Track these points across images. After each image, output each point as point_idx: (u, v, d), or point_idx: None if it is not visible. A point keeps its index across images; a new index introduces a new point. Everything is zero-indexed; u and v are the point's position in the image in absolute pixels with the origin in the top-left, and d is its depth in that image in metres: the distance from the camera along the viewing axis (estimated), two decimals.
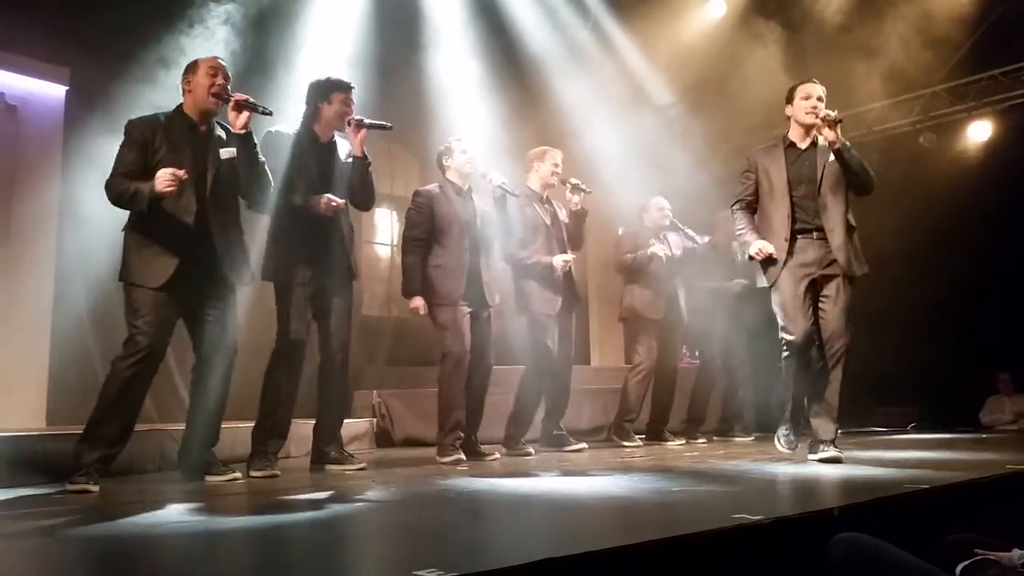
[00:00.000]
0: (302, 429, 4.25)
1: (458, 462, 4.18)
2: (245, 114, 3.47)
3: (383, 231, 8.00)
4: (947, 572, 1.92)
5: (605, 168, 6.94)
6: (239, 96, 3.49)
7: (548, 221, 5.02)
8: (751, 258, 4.02)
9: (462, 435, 4.38)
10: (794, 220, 3.94)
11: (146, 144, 3.40)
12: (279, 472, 3.68)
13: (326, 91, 3.94)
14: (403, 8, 6.42)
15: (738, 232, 4.12)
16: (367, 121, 3.93)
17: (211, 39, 5.28)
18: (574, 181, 5.00)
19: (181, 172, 3.24)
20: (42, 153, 5.54)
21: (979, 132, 8.24)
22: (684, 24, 7.73)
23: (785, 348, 3.92)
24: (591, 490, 2.99)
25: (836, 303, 3.89)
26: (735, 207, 4.15)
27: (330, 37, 5.88)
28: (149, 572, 1.85)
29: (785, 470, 3.55)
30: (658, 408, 5.85)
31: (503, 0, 6.94)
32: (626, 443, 5.38)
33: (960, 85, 8.06)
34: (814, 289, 3.92)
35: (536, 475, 3.60)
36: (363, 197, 4.07)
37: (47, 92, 5.60)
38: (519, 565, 1.51)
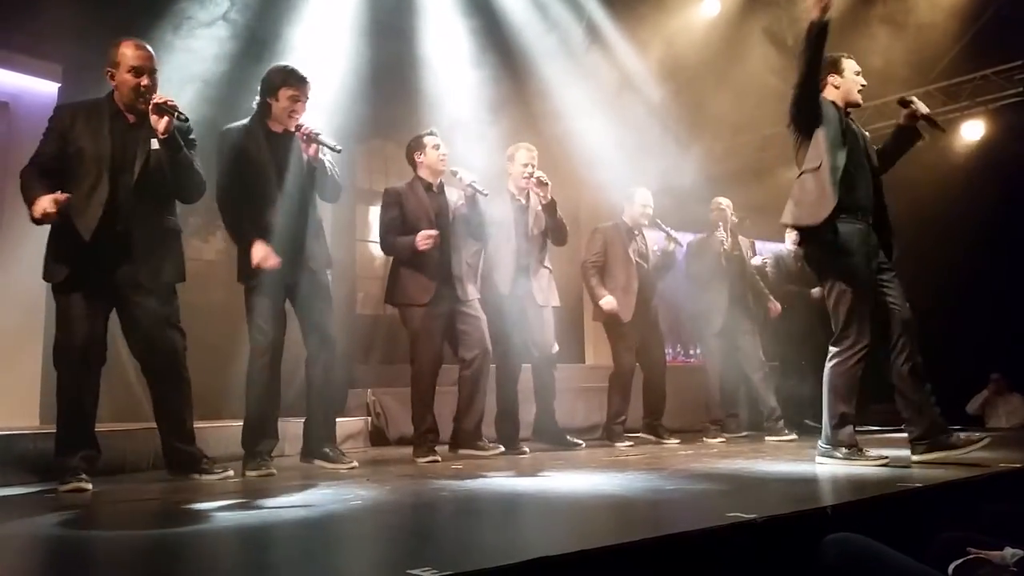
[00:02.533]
0: (295, 428, 4.24)
1: (434, 462, 4.17)
2: (167, 119, 3.31)
3: (376, 229, 7.97)
4: (940, 571, 1.93)
5: (598, 165, 6.94)
6: (157, 99, 3.32)
7: (513, 216, 4.99)
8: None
9: (436, 435, 4.39)
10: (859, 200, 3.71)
11: (64, 132, 3.31)
12: (275, 471, 3.67)
13: (274, 87, 3.77)
14: (397, 7, 6.41)
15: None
16: (318, 138, 3.75)
17: (203, 36, 5.27)
18: (537, 174, 4.88)
19: (61, 199, 3.11)
20: (34, 150, 5.51)
21: (972, 131, 8.27)
22: (678, 23, 7.73)
23: (845, 355, 3.64)
24: (585, 488, 2.99)
25: (895, 287, 3.78)
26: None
27: (324, 35, 5.86)
28: (141, 571, 1.84)
29: (779, 469, 3.56)
30: (651, 405, 5.84)
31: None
32: (618, 444, 5.38)
33: (953, 84, 8.09)
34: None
35: (530, 474, 3.60)
36: (328, 191, 3.94)
37: (39, 89, 5.56)
38: (513, 564, 1.51)
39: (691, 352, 7.85)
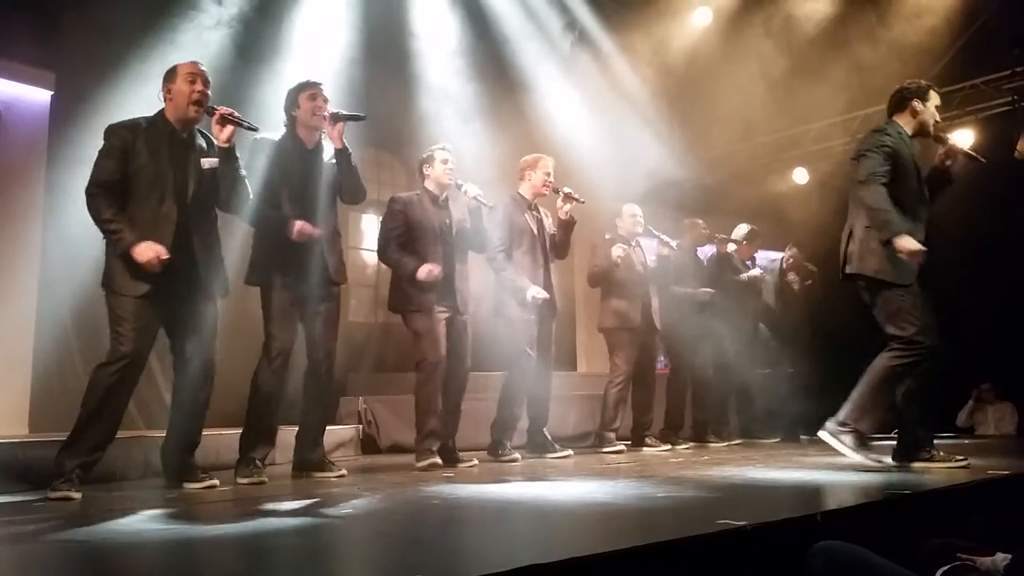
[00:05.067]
0: (288, 436, 4.23)
1: (434, 466, 4.18)
2: (229, 128, 3.45)
3: (370, 237, 7.96)
4: None
5: (592, 176, 6.96)
6: (223, 110, 3.47)
7: (535, 228, 5.04)
8: (887, 243, 3.59)
9: (439, 440, 4.39)
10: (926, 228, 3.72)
11: (125, 150, 3.36)
12: (266, 479, 3.67)
13: (293, 97, 3.96)
14: (390, 16, 6.43)
15: (880, 208, 3.61)
16: (342, 113, 3.91)
17: (197, 45, 5.27)
18: (567, 190, 4.99)
19: (164, 255, 3.24)
20: (27, 158, 5.49)
21: (962, 140, 8.29)
22: (670, 33, 7.77)
23: (911, 353, 3.60)
24: (576, 496, 2.99)
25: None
26: (877, 181, 3.63)
27: (317, 44, 5.87)
28: None
29: (769, 476, 3.57)
30: (640, 414, 5.87)
31: (490, 8, 6.96)
32: (609, 451, 5.39)
33: (943, 94, 8.11)
34: None
35: (521, 481, 3.60)
36: (350, 190, 4.04)
37: (32, 97, 5.55)
38: (504, 572, 1.51)
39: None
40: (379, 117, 6.51)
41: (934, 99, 3.88)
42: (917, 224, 3.72)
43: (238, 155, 3.56)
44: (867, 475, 3.44)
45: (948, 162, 3.80)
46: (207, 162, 3.49)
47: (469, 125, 6.13)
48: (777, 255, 7.26)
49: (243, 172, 3.61)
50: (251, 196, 3.67)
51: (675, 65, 7.66)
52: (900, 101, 3.90)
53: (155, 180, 3.38)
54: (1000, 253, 7.54)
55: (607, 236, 5.86)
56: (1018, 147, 7.39)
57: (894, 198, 3.64)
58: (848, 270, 3.78)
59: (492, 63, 7.00)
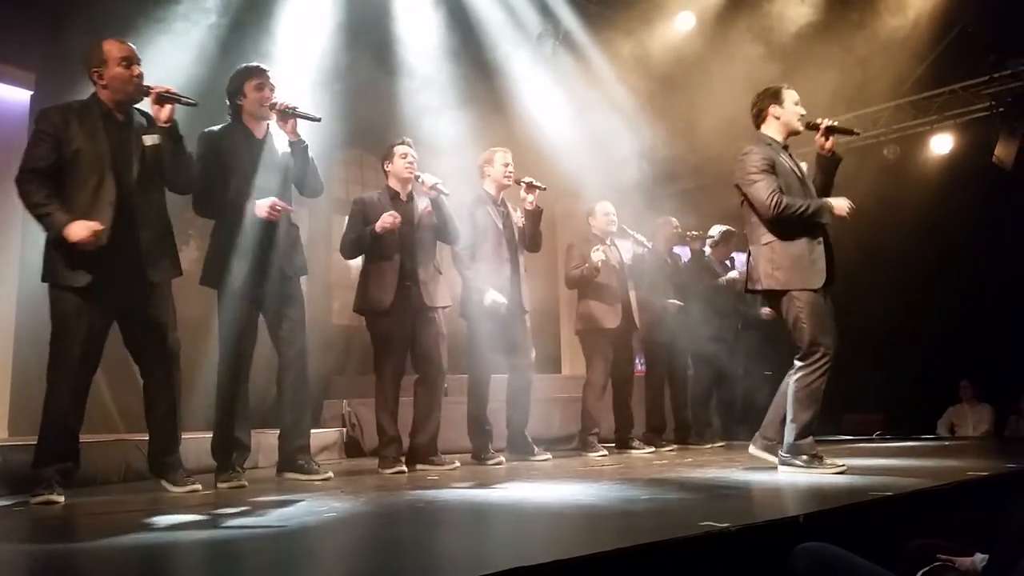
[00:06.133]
0: (270, 439, 4.21)
1: (400, 473, 4.16)
2: (169, 107, 3.33)
3: None
4: None
5: (575, 176, 6.98)
6: (159, 88, 3.33)
7: (500, 224, 4.98)
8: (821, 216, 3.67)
9: (400, 445, 4.37)
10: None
11: (57, 135, 3.24)
12: (246, 483, 3.64)
13: (239, 84, 3.80)
14: (373, 16, 6.42)
15: (801, 205, 3.67)
16: (295, 110, 3.74)
17: (178, 44, 5.24)
18: (527, 179, 4.94)
19: (99, 228, 3.10)
20: (6, 158, 5.41)
21: (941, 145, 8.40)
22: (653, 37, 7.80)
23: (823, 360, 3.64)
24: (560, 499, 3.00)
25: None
26: (781, 197, 3.67)
27: (299, 45, 5.85)
28: None
29: (752, 478, 3.58)
30: (622, 417, 5.87)
31: (473, 10, 6.97)
32: (592, 454, 5.39)
33: (922, 99, 8.23)
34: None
35: (504, 484, 3.60)
36: (309, 185, 3.93)
37: (12, 97, 5.52)
38: (488, 575, 1.51)
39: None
40: (364, 118, 6.53)
41: (790, 97, 3.92)
42: (815, 224, 3.78)
43: (180, 132, 3.40)
44: (849, 477, 3.47)
45: (826, 143, 3.85)
46: (149, 139, 3.34)
47: (454, 125, 6.13)
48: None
49: (188, 150, 3.46)
50: (197, 175, 3.53)
51: (658, 68, 7.69)
52: (758, 114, 3.98)
53: (93, 163, 3.25)
54: (979, 255, 7.62)
55: (584, 236, 5.83)
56: (996, 152, 7.49)
57: None
58: (749, 286, 3.89)
59: (477, 64, 7.01)
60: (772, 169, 3.74)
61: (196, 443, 4.04)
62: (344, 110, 5.79)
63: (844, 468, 3.61)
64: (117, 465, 3.98)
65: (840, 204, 3.73)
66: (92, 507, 3.13)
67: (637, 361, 6.40)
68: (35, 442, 3.31)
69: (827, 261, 3.74)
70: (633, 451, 5.69)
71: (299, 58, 5.74)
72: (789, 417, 3.72)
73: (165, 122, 3.34)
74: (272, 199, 3.68)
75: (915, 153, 8.51)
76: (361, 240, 4.40)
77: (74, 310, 3.20)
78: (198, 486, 3.45)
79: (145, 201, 3.36)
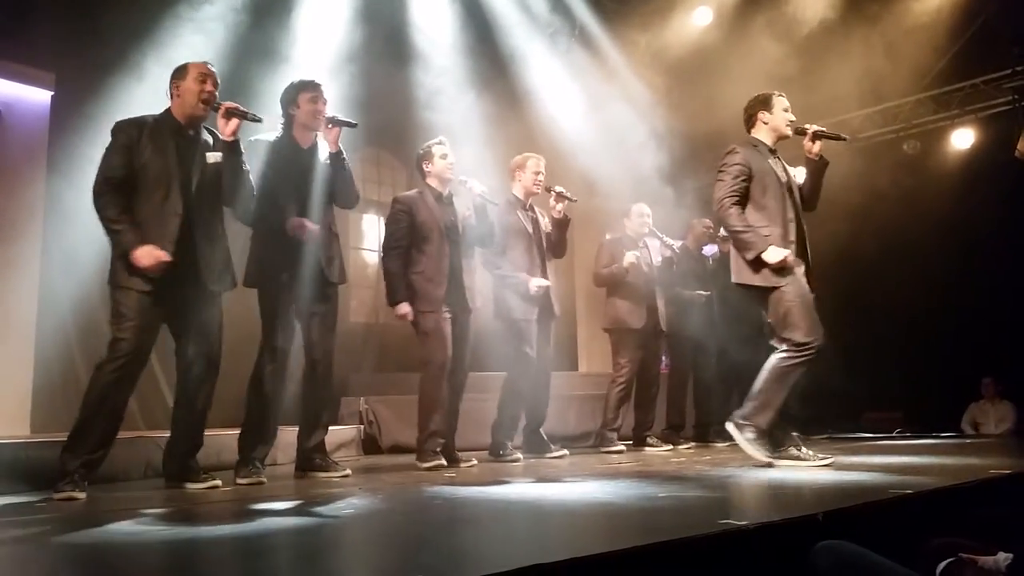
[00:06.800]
0: (288, 436, 4.23)
1: (439, 467, 4.17)
2: (235, 121, 3.48)
3: (370, 237, 7.98)
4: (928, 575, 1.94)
5: (591, 174, 6.97)
6: (229, 104, 3.49)
7: (530, 228, 5.02)
8: (756, 259, 3.84)
9: (442, 440, 4.38)
10: (797, 224, 3.98)
11: (131, 146, 3.37)
12: (265, 479, 3.67)
13: (293, 96, 3.96)
14: (389, 15, 6.43)
15: (740, 230, 3.90)
16: (338, 118, 3.91)
17: (197, 43, 5.28)
18: (558, 189, 4.99)
19: (165, 258, 3.24)
20: (27, 158, 5.51)
21: (962, 140, 8.31)
22: (670, 32, 7.77)
23: (802, 353, 3.80)
24: (576, 496, 2.99)
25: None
26: (731, 202, 3.93)
27: (315, 44, 5.88)
28: None
29: (770, 475, 3.56)
30: (642, 414, 5.88)
31: (490, 6, 6.96)
32: (610, 450, 5.39)
33: (943, 93, 8.15)
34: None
35: (522, 482, 3.60)
36: (343, 194, 4.03)
37: (33, 97, 5.57)
38: (505, 572, 1.51)
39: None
40: (381, 117, 6.54)
41: (779, 104, 4.13)
42: (788, 226, 3.95)
43: (242, 149, 3.58)
44: (869, 474, 3.44)
45: (813, 147, 4.06)
46: (212, 156, 3.50)
47: (472, 124, 6.14)
48: None
49: (247, 167, 3.61)
50: (253, 191, 3.67)
51: (675, 64, 7.66)
52: (748, 119, 4.21)
53: (160, 176, 3.39)
54: (1000, 252, 7.53)
55: (608, 236, 5.85)
56: (1018, 146, 7.39)
57: (759, 206, 3.96)
58: (733, 279, 4.04)
59: (494, 62, 7.00)
60: (746, 173, 3.94)
61: (216, 440, 4.08)
62: (360, 109, 5.80)
63: (773, 464, 3.79)
64: (138, 461, 4.03)
65: (773, 256, 3.82)
66: (114, 503, 3.15)
67: (663, 359, 6.39)
68: (56, 438, 3.35)
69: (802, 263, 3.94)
70: (649, 448, 5.69)
71: (316, 58, 5.76)
72: (758, 388, 3.88)
73: (230, 136, 3.48)
74: (300, 220, 3.78)
75: (936, 148, 8.43)
76: (391, 288, 4.42)
77: (131, 311, 3.30)
78: (218, 482, 3.50)
79: (205, 216, 3.50)
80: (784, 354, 3.85)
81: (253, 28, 5.73)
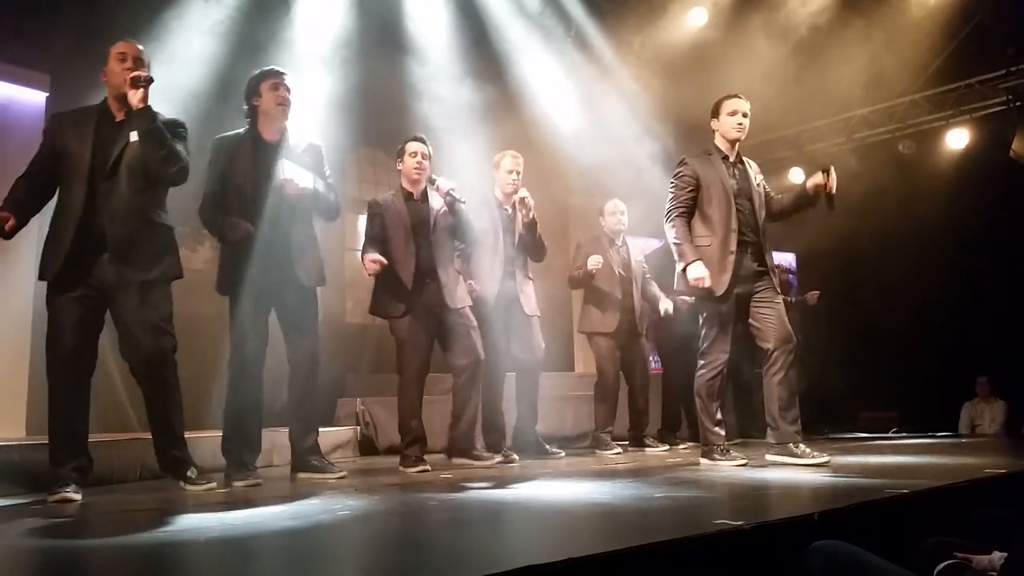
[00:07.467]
0: (284, 438, 4.22)
1: (423, 472, 4.14)
2: (142, 90, 3.28)
3: None
4: None
5: (586, 173, 6.96)
6: (133, 73, 3.31)
7: (499, 228, 4.98)
8: (684, 271, 4.05)
9: (424, 445, 4.35)
10: (740, 233, 4.06)
11: (53, 139, 3.42)
12: (261, 480, 3.65)
13: (255, 86, 3.83)
14: (385, 15, 6.43)
15: (676, 242, 4.10)
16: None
17: (193, 46, 5.27)
18: (521, 195, 4.82)
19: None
20: (22, 159, 5.41)
21: (957, 140, 8.33)
22: (665, 33, 7.78)
23: (715, 367, 4.06)
24: (573, 497, 2.99)
25: (775, 309, 4.04)
26: (676, 214, 4.13)
27: (311, 43, 5.87)
28: None
29: (766, 475, 3.57)
30: (635, 416, 5.84)
31: (485, 7, 6.97)
32: (606, 452, 5.38)
33: (938, 93, 8.17)
34: (739, 304, 4.08)
35: (518, 482, 3.60)
36: (324, 211, 3.96)
37: (27, 98, 5.55)
38: (501, 572, 1.51)
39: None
40: (376, 116, 6.54)
41: (726, 108, 4.23)
42: (730, 236, 4.05)
43: (155, 116, 3.33)
44: (865, 474, 3.45)
45: (819, 186, 4.09)
46: (133, 134, 3.33)
47: (466, 124, 6.13)
48: (777, 255, 7.23)
49: (169, 138, 3.36)
50: (186, 166, 3.43)
51: (670, 64, 7.66)
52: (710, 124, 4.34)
53: (76, 164, 3.33)
54: (995, 251, 7.56)
55: (594, 235, 5.78)
56: (1013, 147, 7.42)
57: (704, 216, 4.12)
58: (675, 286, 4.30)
59: (489, 61, 7.00)
60: (693, 184, 4.12)
61: (212, 442, 4.07)
62: (355, 109, 5.80)
63: (745, 463, 3.98)
64: (133, 464, 4.01)
65: (692, 273, 4.00)
66: (108, 505, 3.15)
67: (652, 359, 6.36)
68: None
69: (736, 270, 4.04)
70: (647, 449, 5.69)
71: (312, 58, 5.76)
72: (704, 409, 4.14)
73: (139, 103, 3.29)
74: (232, 222, 3.64)
75: (931, 148, 8.46)
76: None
77: (56, 312, 3.28)
78: (214, 484, 3.48)
79: (124, 201, 3.32)
80: (701, 370, 4.13)
81: (248, 27, 5.73)
